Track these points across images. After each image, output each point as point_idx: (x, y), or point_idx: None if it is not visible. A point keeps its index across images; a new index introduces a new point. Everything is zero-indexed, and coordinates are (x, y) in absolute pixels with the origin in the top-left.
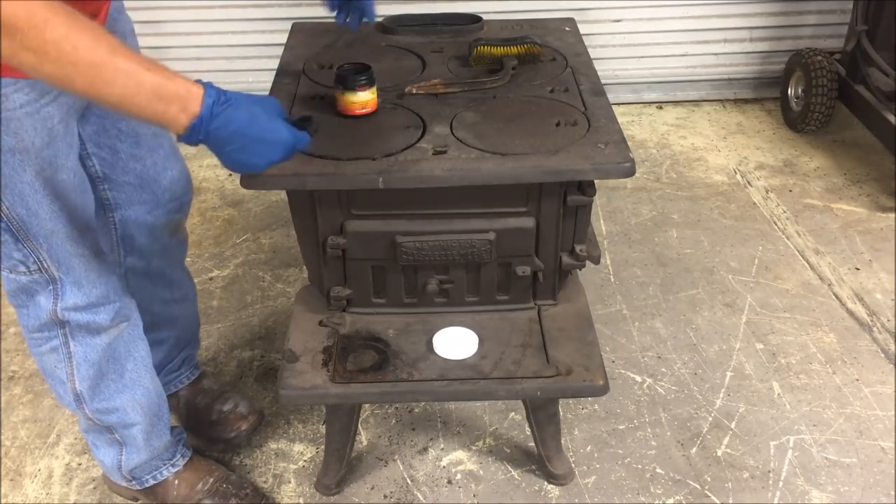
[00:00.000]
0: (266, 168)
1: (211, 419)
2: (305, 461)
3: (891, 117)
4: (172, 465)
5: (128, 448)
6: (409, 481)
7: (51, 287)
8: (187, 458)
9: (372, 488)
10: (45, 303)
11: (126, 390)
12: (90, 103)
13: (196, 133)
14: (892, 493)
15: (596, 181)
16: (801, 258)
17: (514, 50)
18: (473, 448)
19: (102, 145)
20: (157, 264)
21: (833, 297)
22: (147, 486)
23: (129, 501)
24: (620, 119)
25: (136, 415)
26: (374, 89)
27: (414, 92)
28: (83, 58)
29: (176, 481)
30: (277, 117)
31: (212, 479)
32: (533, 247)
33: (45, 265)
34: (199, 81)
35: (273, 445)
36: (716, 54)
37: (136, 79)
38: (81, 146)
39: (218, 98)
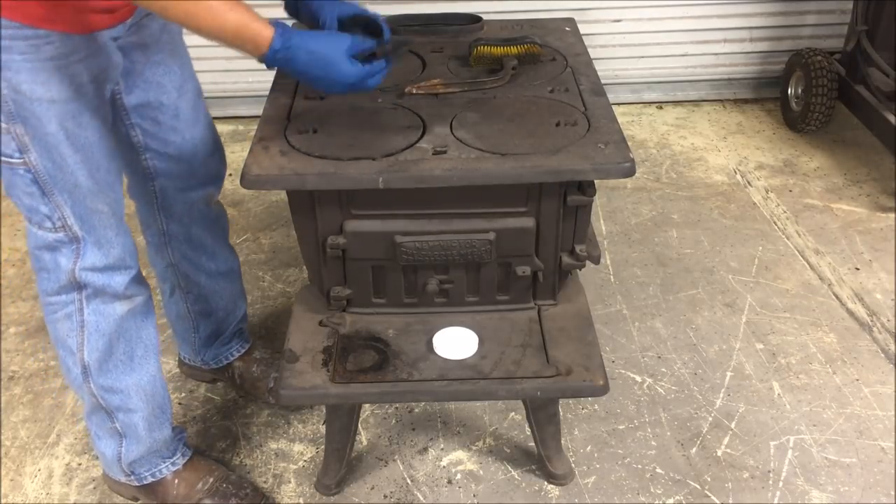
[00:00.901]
0: (343, 91)
1: (269, 386)
2: (305, 461)
3: (891, 117)
4: (172, 464)
5: (128, 440)
6: (409, 481)
7: (74, 246)
8: (187, 458)
9: (372, 488)
10: (65, 263)
11: (133, 373)
12: (130, 74)
13: (268, 64)
14: (892, 493)
15: (596, 181)
16: (801, 258)
17: (514, 50)
18: (473, 448)
19: (145, 116)
20: (196, 232)
21: (833, 297)
22: (145, 482)
23: (130, 502)
24: (620, 119)
25: (140, 401)
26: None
27: (414, 92)
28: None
29: (175, 480)
30: (341, 57)
31: (212, 479)
32: (533, 247)
33: (69, 222)
34: (272, 23)
35: (273, 445)
36: (716, 54)
37: (223, 18)
38: (126, 115)
39: (283, 44)
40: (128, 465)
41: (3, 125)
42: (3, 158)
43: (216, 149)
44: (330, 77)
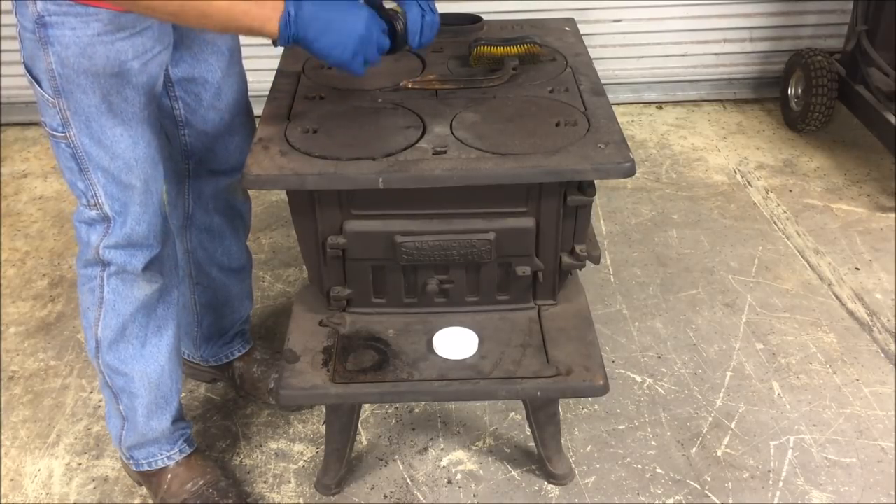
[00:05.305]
0: (356, 48)
1: (269, 387)
2: (305, 461)
3: (891, 117)
4: (168, 458)
5: (128, 423)
6: (409, 481)
7: (105, 225)
8: (185, 455)
9: (372, 488)
10: (94, 239)
11: (142, 360)
12: (178, 48)
13: (287, 28)
14: (892, 493)
15: (596, 181)
16: (801, 258)
17: (514, 50)
18: (473, 448)
19: (189, 91)
20: (218, 222)
21: (833, 297)
22: (142, 469)
23: (132, 503)
24: (620, 119)
25: (143, 388)
26: None
27: (409, 86)
28: None
29: (169, 476)
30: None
31: (202, 482)
32: (533, 247)
33: (101, 201)
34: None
35: (273, 445)
36: (716, 54)
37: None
38: (171, 87)
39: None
40: (126, 448)
41: (51, 99)
42: (49, 131)
43: (251, 138)
44: (345, 13)
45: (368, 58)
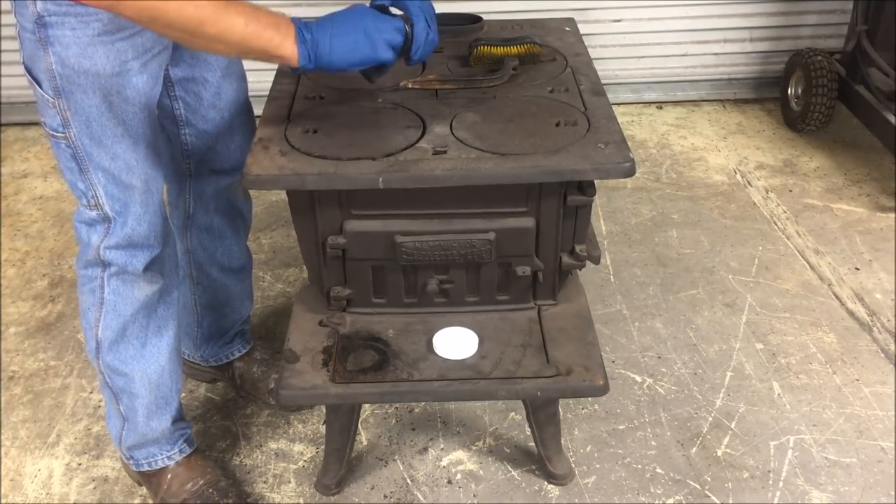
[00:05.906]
0: (372, 36)
1: (269, 387)
2: (305, 461)
3: (891, 117)
4: (168, 458)
5: (128, 423)
6: (409, 481)
7: (105, 225)
8: (185, 455)
9: (372, 488)
10: (95, 240)
11: (142, 360)
12: (178, 48)
13: (303, 41)
14: (892, 493)
15: (596, 181)
16: (801, 258)
17: (514, 50)
18: (473, 448)
19: (189, 91)
20: (219, 222)
21: (833, 297)
22: (142, 469)
23: (132, 502)
24: (620, 119)
25: (143, 388)
26: None
27: (409, 86)
28: (212, 11)
29: (169, 476)
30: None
31: (202, 482)
32: (533, 247)
33: (101, 201)
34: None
35: (273, 445)
36: (716, 54)
37: (254, 16)
38: (171, 87)
39: (305, 25)
40: (126, 448)
41: (51, 99)
42: (49, 131)
43: (251, 137)
44: (368, 23)
45: (389, 40)
